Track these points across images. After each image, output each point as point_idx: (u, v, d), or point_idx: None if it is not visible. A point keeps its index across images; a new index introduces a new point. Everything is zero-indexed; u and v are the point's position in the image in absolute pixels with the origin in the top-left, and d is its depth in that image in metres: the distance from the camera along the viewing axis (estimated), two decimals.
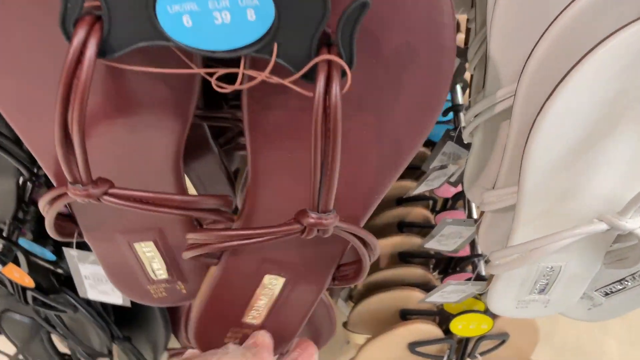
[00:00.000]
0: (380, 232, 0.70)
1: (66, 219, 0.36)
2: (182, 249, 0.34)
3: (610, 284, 0.43)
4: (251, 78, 0.24)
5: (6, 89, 0.28)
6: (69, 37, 0.22)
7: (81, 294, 0.44)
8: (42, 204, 0.31)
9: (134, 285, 0.39)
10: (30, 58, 0.27)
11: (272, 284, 0.37)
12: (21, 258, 0.54)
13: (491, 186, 0.39)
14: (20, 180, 0.49)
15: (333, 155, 0.24)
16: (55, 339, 0.72)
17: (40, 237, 0.58)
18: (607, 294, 0.43)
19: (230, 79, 0.24)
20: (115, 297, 0.45)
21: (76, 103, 0.23)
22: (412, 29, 0.26)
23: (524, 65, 0.33)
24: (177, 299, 0.40)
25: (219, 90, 0.24)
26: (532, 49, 0.31)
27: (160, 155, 0.32)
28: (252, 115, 0.29)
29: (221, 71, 0.23)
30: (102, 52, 0.23)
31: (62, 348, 0.74)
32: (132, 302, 0.60)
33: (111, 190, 0.27)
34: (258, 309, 0.38)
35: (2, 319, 0.66)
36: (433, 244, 0.50)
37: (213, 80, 0.24)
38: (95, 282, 0.44)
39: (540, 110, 0.28)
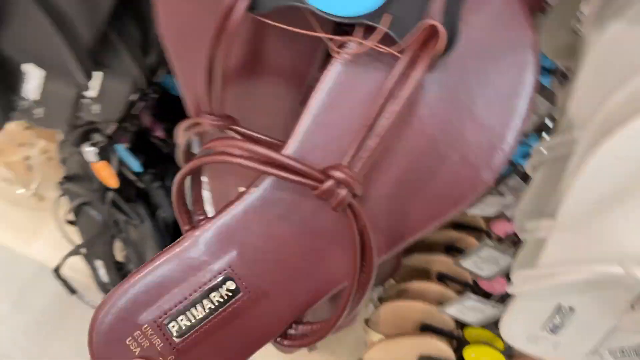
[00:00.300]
0: (427, 248, 0.73)
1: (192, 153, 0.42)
2: None
3: (625, 348, 0.44)
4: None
5: (175, 26, 0.34)
6: None
7: None
8: (180, 129, 0.37)
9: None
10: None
11: None
12: (114, 160, 0.62)
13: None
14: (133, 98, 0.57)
15: (385, 120, 0.27)
16: (115, 247, 0.81)
17: (134, 149, 0.66)
18: (620, 355, 0.45)
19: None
20: None
21: (223, 44, 0.29)
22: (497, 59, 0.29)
23: (597, 113, 0.35)
24: None
25: (334, 55, 0.29)
26: (607, 99, 0.34)
27: (276, 112, 0.37)
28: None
29: (338, 38, 0.28)
30: (252, 7, 0.29)
31: (119, 258, 0.82)
32: None
33: (234, 126, 0.33)
34: None
35: (80, 210, 0.75)
36: (469, 264, 0.53)
37: (331, 45, 0.29)
38: None
39: (595, 148, 0.31)
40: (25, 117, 0.49)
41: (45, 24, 0.37)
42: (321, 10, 0.28)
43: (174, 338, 0.29)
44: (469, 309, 0.50)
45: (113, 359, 0.29)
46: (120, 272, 0.82)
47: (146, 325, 0.29)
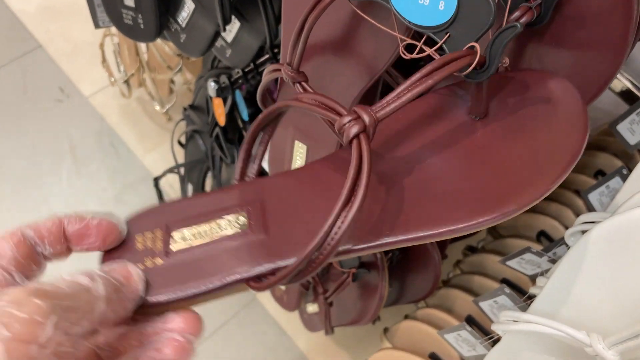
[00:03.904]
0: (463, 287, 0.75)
1: (272, 98, 0.50)
2: None
3: None
4: (420, 51, 0.33)
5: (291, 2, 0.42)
6: None
7: None
8: (266, 71, 0.44)
9: (278, 166, 0.53)
10: None
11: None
12: (228, 101, 0.72)
13: None
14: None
15: (418, 88, 0.30)
16: (207, 178, 0.92)
17: (249, 100, 0.75)
18: None
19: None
20: None
21: (315, 12, 0.36)
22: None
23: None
24: None
25: (403, 55, 0.34)
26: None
27: (345, 88, 0.43)
28: None
29: (410, 41, 0.34)
30: None
31: (207, 189, 0.93)
32: None
33: (303, 83, 0.39)
34: None
35: (192, 137, 0.87)
36: (513, 264, 0.55)
37: (401, 47, 0.34)
38: None
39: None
40: (173, 38, 0.59)
41: None
42: (399, 14, 0.33)
43: (171, 247, 0.32)
44: (526, 262, 0.53)
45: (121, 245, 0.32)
46: None
47: (158, 229, 0.33)
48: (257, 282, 0.31)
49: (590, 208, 0.65)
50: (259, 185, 0.35)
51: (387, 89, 0.49)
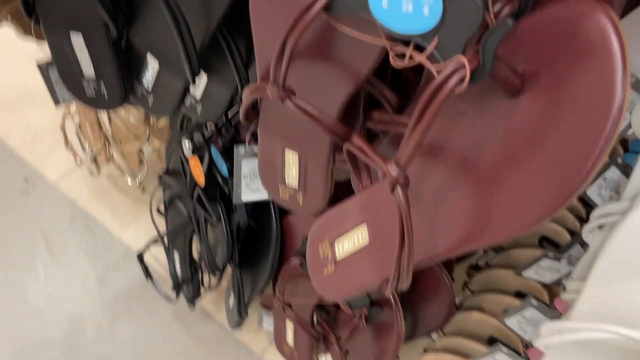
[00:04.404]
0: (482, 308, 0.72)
1: (254, 112, 0.48)
2: (314, 172, 0.47)
3: None
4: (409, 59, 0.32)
5: (262, 17, 0.40)
6: None
7: (235, 200, 0.58)
8: (247, 91, 0.43)
9: (271, 179, 0.51)
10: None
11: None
12: (206, 159, 0.69)
13: None
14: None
15: (420, 128, 0.31)
16: (193, 244, 0.88)
17: (226, 155, 0.72)
18: None
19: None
20: (263, 193, 0.58)
21: (296, 32, 0.34)
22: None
23: None
24: (294, 205, 0.52)
25: (393, 63, 0.32)
26: None
27: (329, 98, 0.41)
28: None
29: (399, 49, 0.32)
30: (327, 8, 0.33)
31: (194, 255, 0.89)
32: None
33: (292, 98, 0.38)
34: None
35: (172, 203, 0.83)
36: (513, 323, 0.52)
37: (391, 54, 0.32)
38: (251, 180, 0.56)
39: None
40: (141, 103, 0.57)
41: (168, 21, 0.44)
42: (383, 25, 0.32)
43: (336, 255, 0.44)
44: (544, 269, 0.50)
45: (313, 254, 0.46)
46: (192, 267, 0.88)
47: (327, 240, 0.45)
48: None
49: (592, 204, 0.63)
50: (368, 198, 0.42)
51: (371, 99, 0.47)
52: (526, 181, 0.33)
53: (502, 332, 0.69)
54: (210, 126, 0.69)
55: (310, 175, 0.48)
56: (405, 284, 0.37)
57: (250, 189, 0.58)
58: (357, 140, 0.38)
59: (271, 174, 0.51)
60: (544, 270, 0.53)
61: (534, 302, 0.51)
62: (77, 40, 0.52)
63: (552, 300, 0.71)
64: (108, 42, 0.51)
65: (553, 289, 0.72)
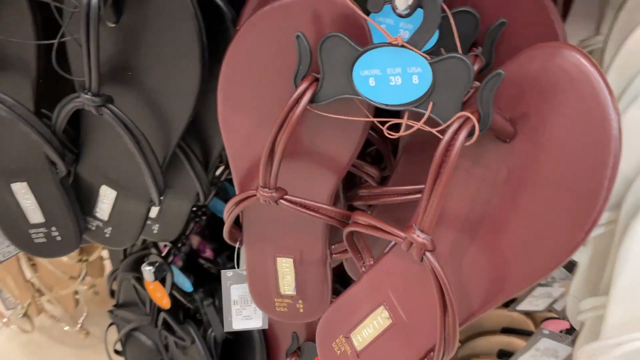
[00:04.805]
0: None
1: (237, 228, 0.46)
2: (312, 273, 0.44)
3: None
4: (409, 127, 0.33)
5: (235, 119, 0.40)
6: (296, 86, 0.33)
7: (226, 328, 0.52)
8: (230, 204, 0.41)
9: (265, 294, 0.48)
10: (258, 99, 0.38)
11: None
12: (168, 279, 0.65)
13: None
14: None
15: (440, 187, 0.31)
16: None
17: (185, 269, 0.69)
18: None
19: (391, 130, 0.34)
20: (256, 321, 0.53)
21: (287, 130, 0.34)
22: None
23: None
24: (294, 316, 0.48)
25: (389, 136, 0.33)
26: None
27: (321, 183, 0.41)
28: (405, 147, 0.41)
29: (394, 121, 0.33)
30: (312, 100, 0.34)
31: None
32: None
33: (286, 196, 0.37)
34: None
35: (130, 337, 0.76)
36: (525, 305, 0.53)
37: (384, 129, 0.33)
38: (242, 307, 0.52)
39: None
40: (96, 237, 0.53)
41: (127, 145, 0.42)
42: (374, 102, 0.33)
43: (356, 347, 0.42)
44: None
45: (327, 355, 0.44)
46: None
47: (341, 335, 0.43)
48: None
49: None
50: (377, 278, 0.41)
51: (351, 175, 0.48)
52: (536, 227, 0.33)
53: None
54: (165, 245, 0.66)
55: (309, 277, 0.46)
56: (452, 352, 0.37)
57: (242, 316, 0.54)
58: (363, 218, 0.38)
59: (264, 288, 0.48)
60: (537, 299, 0.55)
61: (545, 331, 0.52)
62: (20, 189, 0.48)
63: (536, 327, 0.73)
64: (55, 183, 0.48)
65: (535, 317, 0.74)
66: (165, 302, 0.67)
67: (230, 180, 0.51)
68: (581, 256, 0.46)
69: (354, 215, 0.39)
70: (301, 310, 0.48)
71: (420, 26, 0.31)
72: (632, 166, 0.39)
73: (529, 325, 0.72)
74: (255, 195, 0.39)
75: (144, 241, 0.72)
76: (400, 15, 0.31)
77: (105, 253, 0.91)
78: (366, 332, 0.42)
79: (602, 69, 0.44)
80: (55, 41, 0.39)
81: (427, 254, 0.34)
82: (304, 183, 0.41)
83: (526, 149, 0.34)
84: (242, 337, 0.69)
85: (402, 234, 0.34)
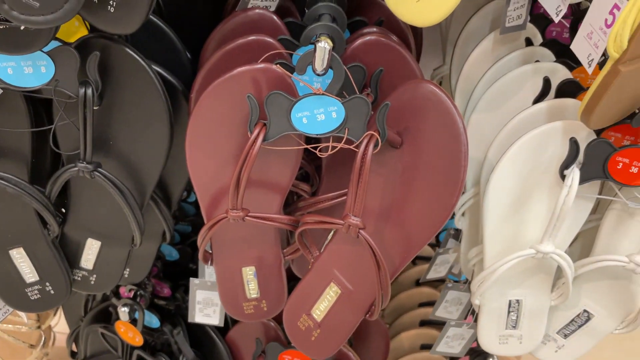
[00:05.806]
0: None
1: (209, 253, 0.58)
2: (271, 275, 0.59)
3: (566, 325, 0.60)
4: (334, 147, 0.48)
5: (201, 164, 0.53)
6: (251, 131, 0.48)
7: (190, 319, 0.66)
8: (204, 230, 0.54)
9: (234, 301, 0.60)
10: (219, 147, 0.52)
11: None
12: (140, 317, 0.74)
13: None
14: None
15: (362, 183, 0.46)
16: None
17: (153, 308, 0.78)
18: (566, 335, 0.61)
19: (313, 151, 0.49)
20: (214, 318, 0.67)
21: (248, 165, 0.48)
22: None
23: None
24: (260, 314, 0.61)
25: (320, 155, 0.48)
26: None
27: (271, 200, 0.55)
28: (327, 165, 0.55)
29: (323, 145, 0.48)
30: (264, 139, 0.48)
31: None
32: None
33: (251, 213, 0.50)
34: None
35: None
36: (442, 312, 0.69)
37: (317, 152, 0.48)
38: (204, 307, 0.66)
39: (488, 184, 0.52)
40: (82, 286, 0.62)
41: (112, 200, 0.52)
42: (309, 133, 0.47)
43: (317, 319, 0.57)
44: (452, 339, 0.65)
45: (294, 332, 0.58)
46: None
47: (303, 314, 0.57)
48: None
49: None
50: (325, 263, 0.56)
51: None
52: (424, 203, 0.50)
53: (431, 336, 0.85)
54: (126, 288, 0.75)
55: (269, 279, 0.59)
56: (386, 301, 0.52)
57: (203, 314, 0.68)
58: (311, 218, 0.52)
59: (233, 296, 0.60)
60: (439, 267, 0.71)
61: (449, 284, 0.68)
62: (17, 254, 0.57)
63: None
64: (48, 243, 0.57)
65: (440, 289, 0.92)
66: (138, 340, 0.76)
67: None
68: (463, 224, 0.64)
69: (303, 218, 0.54)
70: (265, 309, 0.61)
71: (331, 80, 0.47)
72: (479, 153, 0.57)
73: (437, 296, 0.90)
74: (226, 217, 0.51)
75: (103, 294, 0.80)
76: (318, 74, 0.47)
77: (54, 321, 0.96)
78: (323, 306, 0.56)
79: (450, 90, 0.63)
80: (53, 126, 0.50)
81: (361, 231, 0.48)
82: (259, 203, 0.54)
83: (411, 151, 0.50)
84: (211, 356, 0.79)
85: (342, 221, 0.49)
